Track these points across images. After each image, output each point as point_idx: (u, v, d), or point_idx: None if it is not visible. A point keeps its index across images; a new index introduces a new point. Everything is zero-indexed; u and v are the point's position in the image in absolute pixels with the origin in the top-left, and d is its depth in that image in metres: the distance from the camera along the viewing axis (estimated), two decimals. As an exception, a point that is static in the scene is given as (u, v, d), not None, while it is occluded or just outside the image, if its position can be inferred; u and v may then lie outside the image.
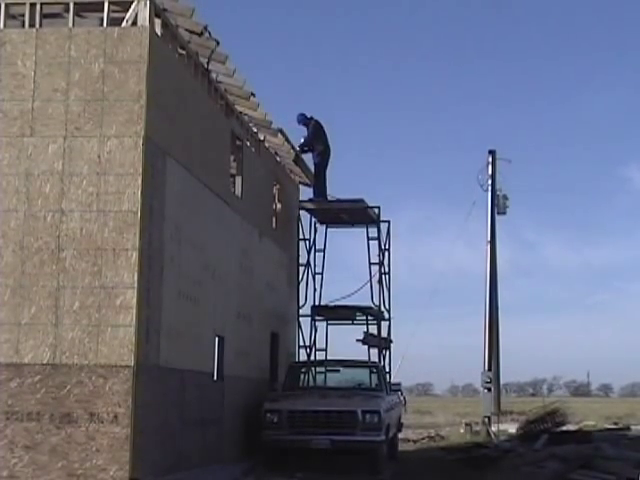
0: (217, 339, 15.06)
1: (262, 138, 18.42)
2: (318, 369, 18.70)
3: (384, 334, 20.99)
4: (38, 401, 11.54)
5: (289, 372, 19.02)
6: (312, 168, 21.02)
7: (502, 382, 34.82)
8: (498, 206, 31.75)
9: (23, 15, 12.50)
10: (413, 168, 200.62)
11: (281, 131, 18.52)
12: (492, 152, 32.09)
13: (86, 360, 11.55)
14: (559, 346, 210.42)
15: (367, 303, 20.56)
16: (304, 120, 20.58)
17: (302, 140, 20.41)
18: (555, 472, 15.93)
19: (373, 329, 20.63)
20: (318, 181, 20.96)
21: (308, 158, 20.85)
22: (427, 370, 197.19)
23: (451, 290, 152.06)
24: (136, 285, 11.66)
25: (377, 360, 20.09)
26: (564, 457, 17.35)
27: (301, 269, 21.25)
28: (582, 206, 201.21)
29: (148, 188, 12.01)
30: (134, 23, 12.23)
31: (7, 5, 12.55)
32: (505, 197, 32.03)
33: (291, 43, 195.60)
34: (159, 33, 12.65)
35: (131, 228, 11.77)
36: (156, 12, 12.53)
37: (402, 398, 21.12)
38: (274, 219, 19.77)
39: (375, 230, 21.26)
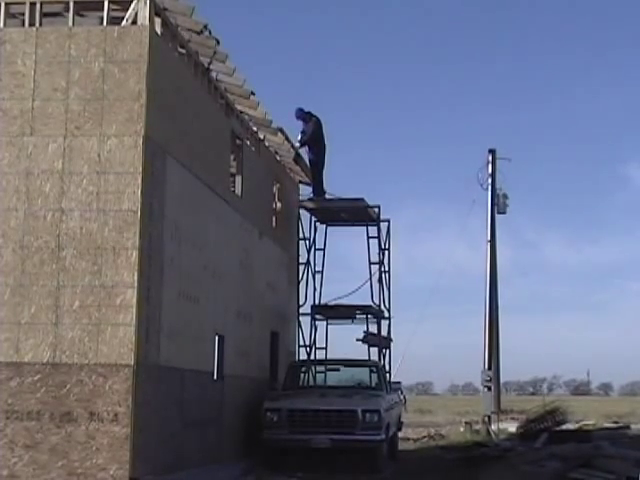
0: (217, 338, 15.06)
1: (262, 137, 18.41)
2: (318, 368, 18.71)
3: (384, 333, 20.98)
4: (38, 400, 11.55)
5: (289, 371, 19.01)
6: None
7: (502, 381, 34.79)
8: (498, 205, 31.71)
9: (23, 14, 12.50)
10: (413, 167, 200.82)
11: (281, 130, 18.52)
12: (492, 151, 32.05)
13: (86, 359, 11.55)
14: (559, 345, 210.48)
15: (367, 302, 20.57)
16: (302, 115, 20.58)
17: (300, 135, 20.38)
18: (555, 471, 15.91)
19: (373, 328, 20.63)
20: (315, 179, 20.97)
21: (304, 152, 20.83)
22: (427, 369, 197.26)
23: (451, 289, 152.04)
24: (136, 284, 11.66)
25: (377, 359, 20.08)
26: (564, 456, 17.33)
27: (301, 268, 21.25)
28: (582, 205, 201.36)
29: (148, 187, 12.01)
30: (134, 22, 12.22)
31: (7, 4, 12.54)
32: (505, 196, 31.99)
33: (291, 42, 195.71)
34: (159, 32, 12.65)
35: (131, 227, 11.77)
36: (156, 11, 12.53)
37: (402, 397, 21.12)
38: (274, 218, 19.76)
39: (375, 229, 21.26)
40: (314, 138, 20.51)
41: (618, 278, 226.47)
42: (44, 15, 12.53)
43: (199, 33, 13.63)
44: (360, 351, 20.32)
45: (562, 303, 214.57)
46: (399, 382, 21.05)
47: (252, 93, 16.07)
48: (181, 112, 13.27)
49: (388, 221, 21.65)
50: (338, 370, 19.06)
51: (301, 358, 20.22)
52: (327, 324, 19.96)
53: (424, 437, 27.24)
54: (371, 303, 20.65)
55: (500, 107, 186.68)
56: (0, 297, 11.79)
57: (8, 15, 12.60)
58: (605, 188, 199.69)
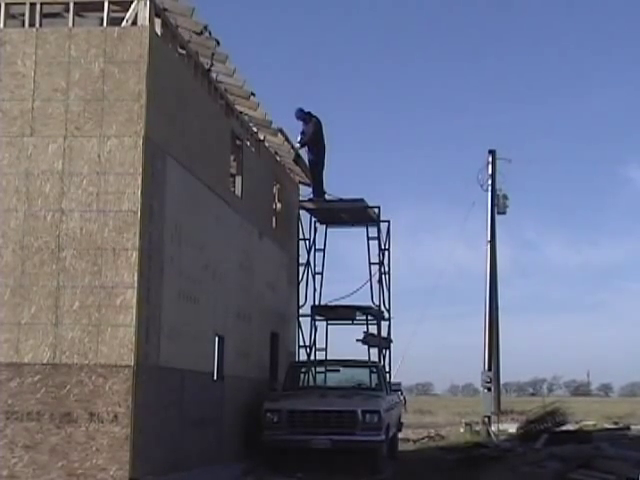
0: (217, 339, 15.06)
1: (262, 138, 18.41)
2: (318, 369, 18.70)
3: (384, 334, 20.98)
4: (38, 401, 11.54)
5: (289, 372, 19.02)
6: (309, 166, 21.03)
7: (502, 382, 34.81)
8: (498, 206, 31.75)
9: (23, 15, 12.50)
10: (413, 167, 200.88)
11: (281, 131, 18.52)
12: (492, 152, 32.08)
13: (86, 360, 11.55)
14: (559, 346, 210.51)
15: (367, 303, 20.57)
16: (302, 115, 20.59)
17: (300, 136, 20.38)
18: (555, 472, 15.92)
19: (373, 329, 20.64)
20: (315, 180, 20.98)
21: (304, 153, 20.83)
22: (427, 370, 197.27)
23: (451, 290, 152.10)
24: (136, 285, 11.66)
25: (377, 360, 20.09)
26: (564, 457, 17.35)
27: (301, 269, 21.25)
28: (582, 206, 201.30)
29: (148, 188, 12.01)
30: (134, 23, 12.22)
31: (7, 5, 12.54)
32: (505, 197, 32.03)
33: (291, 43, 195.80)
34: (159, 33, 12.65)
35: (131, 228, 11.77)
36: (156, 12, 12.53)
37: (402, 398, 21.12)
38: (274, 219, 19.76)
39: (375, 230, 21.27)
40: (314, 139, 20.52)
41: (618, 279, 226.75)
42: (44, 16, 12.53)
43: (199, 34, 13.63)
44: (360, 352, 20.35)
45: (562, 304, 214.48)
46: (399, 383, 21.04)
47: (252, 94, 16.08)
48: (181, 113, 13.27)
49: (388, 222, 21.68)
50: (338, 371, 19.05)
51: (301, 359, 20.22)
52: (327, 325, 19.95)
53: (424, 438, 27.23)
54: (371, 304, 20.65)
55: (500, 107, 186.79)
56: (0, 298, 11.80)
57: (8, 16, 12.60)
58: (605, 189, 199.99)
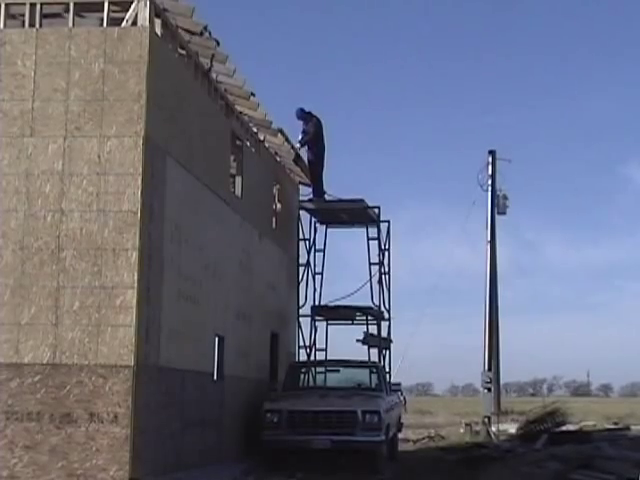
0: (217, 339, 15.06)
1: (262, 138, 18.41)
2: (318, 369, 18.68)
3: (384, 334, 20.98)
4: (38, 401, 11.55)
5: (289, 372, 19.00)
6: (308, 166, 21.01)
7: (502, 382, 34.81)
8: (498, 206, 31.75)
9: (23, 15, 12.51)
10: (413, 168, 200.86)
11: (281, 131, 18.52)
12: (492, 152, 32.09)
13: (86, 360, 11.56)
14: (559, 346, 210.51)
15: (367, 303, 20.57)
16: (303, 115, 20.58)
17: (301, 135, 20.38)
18: (555, 472, 15.91)
19: (373, 329, 20.64)
20: (315, 180, 20.97)
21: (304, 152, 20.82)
22: (427, 370, 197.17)
23: (451, 290, 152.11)
24: (136, 285, 11.67)
25: (377, 360, 20.08)
26: (564, 457, 17.33)
27: (301, 269, 21.25)
28: (582, 205, 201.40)
29: (148, 188, 12.02)
30: (134, 23, 12.23)
31: (7, 5, 12.56)
32: (505, 197, 32.03)
33: (291, 43, 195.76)
34: (159, 33, 12.65)
35: (131, 228, 11.77)
36: (156, 12, 12.53)
37: (402, 398, 21.09)
38: (274, 219, 19.77)
39: (375, 230, 21.27)
40: (314, 138, 20.51)
41: (618, 278, 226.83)
42: (44, 16, 12.54)
43: (199, 34, 13.64)
44: (360, 352, 20.34)
45: (562, 304, 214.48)
46: (399, 383, 21.02)
47: (252, 94, 16.08)
48: (181, 113, 13.28)
49: (388, 222, 21.67)
50: (338, 371, 19.02)
51: (301, 359, 20.22)
52: (327, 325, 19.94)
53: (424, 438, 27.18)
54: (371, 304, 20.64)
55: (500, 108, 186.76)
56: (0, 298, 11.80)
57: (8, 16, 12.61)
58: (605, 188, 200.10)
